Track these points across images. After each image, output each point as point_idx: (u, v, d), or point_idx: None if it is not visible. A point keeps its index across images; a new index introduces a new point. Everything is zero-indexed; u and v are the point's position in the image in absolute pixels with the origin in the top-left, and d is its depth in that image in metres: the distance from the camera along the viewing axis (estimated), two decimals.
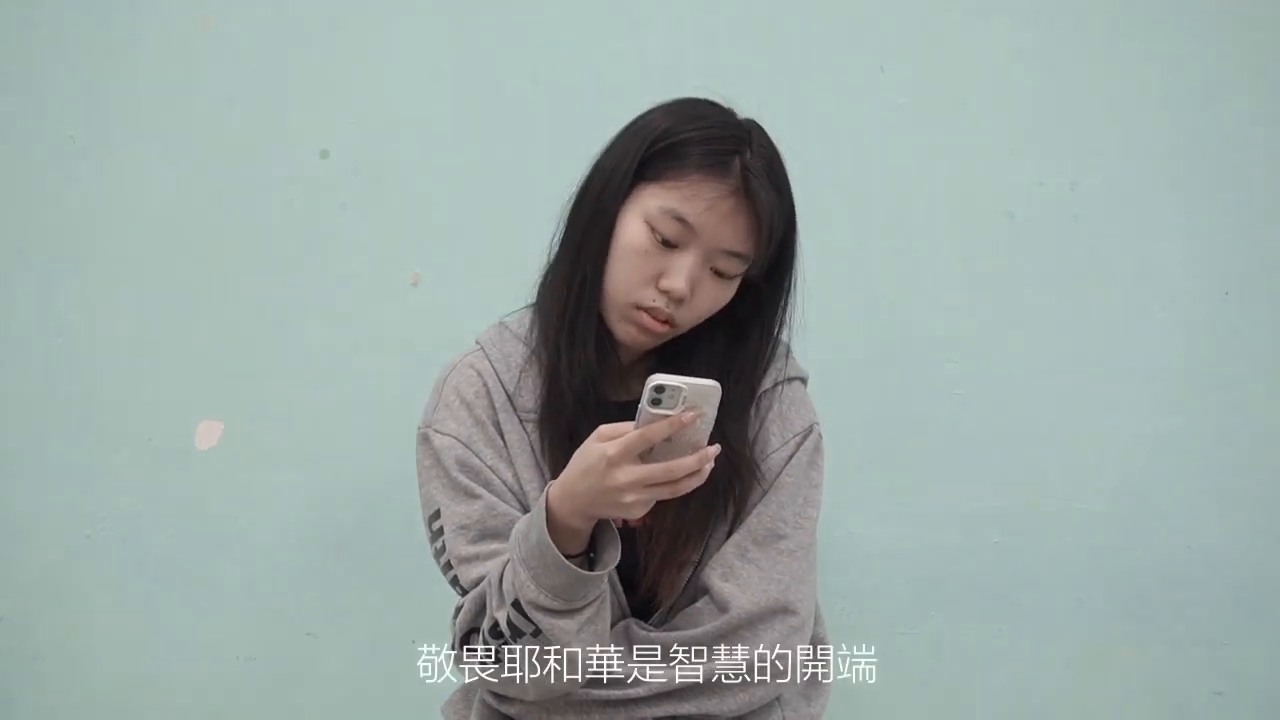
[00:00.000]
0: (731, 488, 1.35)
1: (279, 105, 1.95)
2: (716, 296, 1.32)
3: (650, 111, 1.32)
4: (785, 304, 1.38)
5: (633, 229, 1.29)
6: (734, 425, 1.34)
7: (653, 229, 1.28)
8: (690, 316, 1.32)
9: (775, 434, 1.38)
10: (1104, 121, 1.87)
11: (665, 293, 1.29)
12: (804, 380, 1.45)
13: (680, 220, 1.27)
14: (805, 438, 1.39)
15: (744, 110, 1.34)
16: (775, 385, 1.40)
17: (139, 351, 1.99)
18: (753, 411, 1.38)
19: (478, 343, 1.43)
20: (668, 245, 1.28)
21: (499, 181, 1.91)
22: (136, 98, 1.96)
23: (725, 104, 1.33)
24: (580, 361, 1.32)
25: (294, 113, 1.95)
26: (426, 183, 1.94)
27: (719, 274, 1.30)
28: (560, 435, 1.34)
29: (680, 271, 1.28)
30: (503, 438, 1.36)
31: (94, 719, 2.04)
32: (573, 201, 1.34)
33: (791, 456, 1.38)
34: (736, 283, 1.33)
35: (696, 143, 1.27)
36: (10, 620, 2.05)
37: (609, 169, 1.31)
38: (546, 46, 1.91)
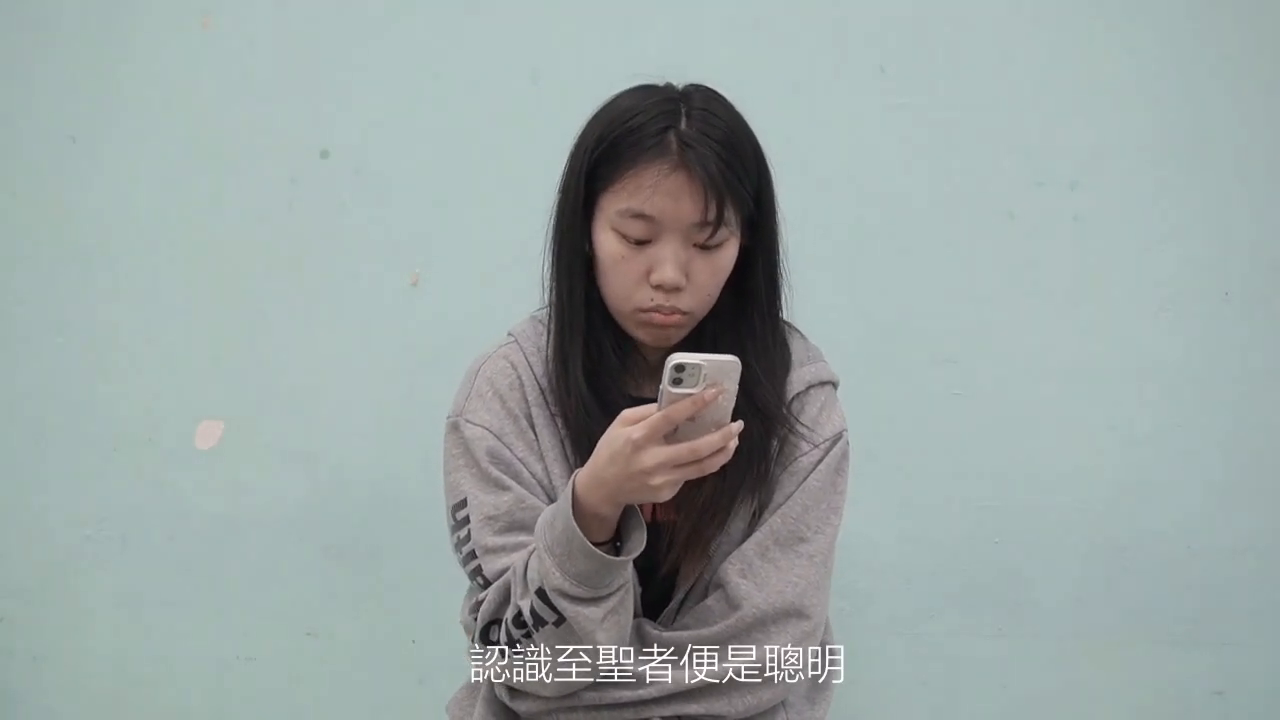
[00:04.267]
0: (765, 447, 1.34)
1: (279, 105, 1.94)
2: (714, 269, 1.31)
3: (588, 123, 1.32)
4: (777, 250, 1.36)
5: (605, 241, 1.30)
6: (760, 389, 1.33)
7: (621, 234, 1.28)
8: (699, 299, 1.31)
9: (805, 437, 1.38)
10: (1104, 121, 1.87)
11: (659, 287, 1.28)
12: (835, 385, 1.44)
13: (638, 216, 1.27)
14: (834, 444, 1.39)
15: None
16: (808, 388, 1.40)
17: (139, 351, 1.99)
18: (784, 412, 1.38)
19: (511, 334, 1.42)
20: (641, 243, 1.28)
21: (499, 181, 1.91)
22: (136, 98, 1.96)
23: (661, 81, 1.32)
24: (574, 384, 1.33)
25: (294, 113, 1.94)
26: (426, 183, 1.94)
27: (705, 248, 1.29)
28: (584, 436, 1.33)
29: (664, 262, 1.27)
30: (534, 431, 1.36)
31: (94, 719, 2.04)
32: (549, 231, 1.36)
33: (820, 461, 1.37)
34: (730, 249, 1.31)
35: (628, 135, 1.27)
36: (11, 620, 2.05)
37: (563, 196, 1.33)
38: (546, 45, 1.91)
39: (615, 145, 1.27)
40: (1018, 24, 1.87)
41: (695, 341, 1.35)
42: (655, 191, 1.25)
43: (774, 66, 1.88)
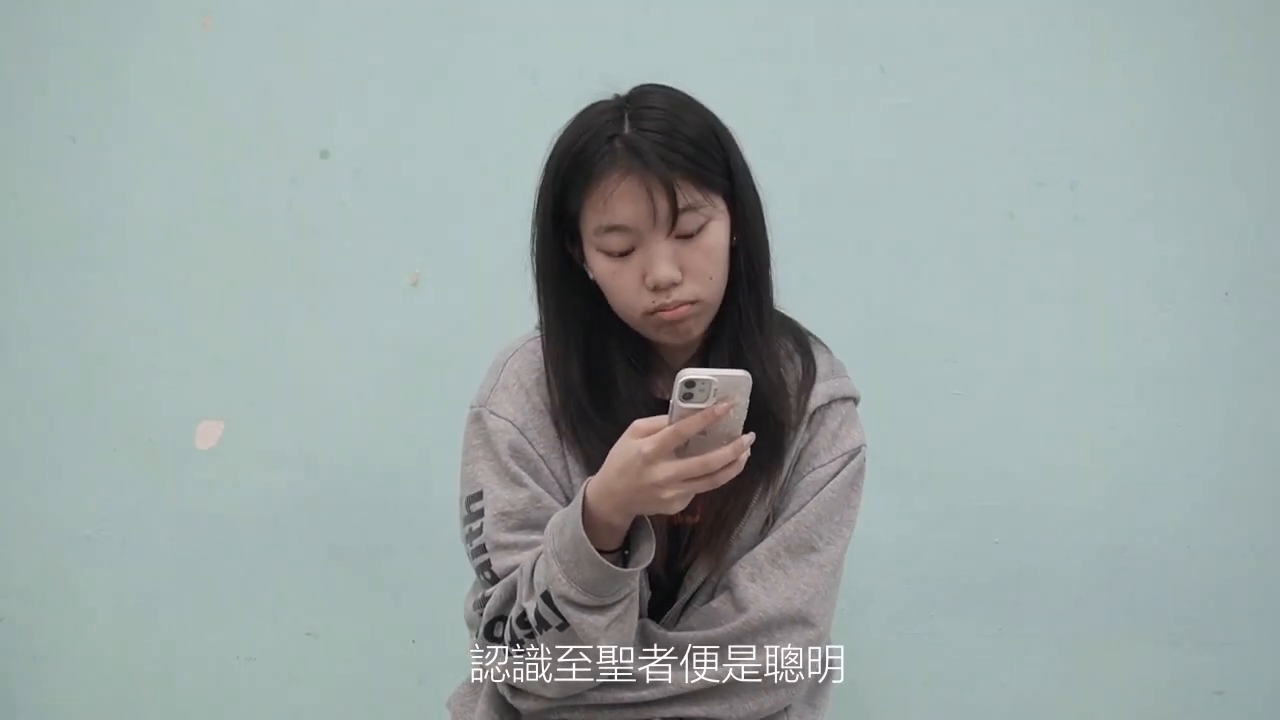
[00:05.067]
0: (772, 412, 1.34)
1: (279, 105, 1.95)
2: (706, 252, 1.29)
3: (545, 162, 1.32)
4: (759, 220, 1.34)
5: (596, 263, 1.30)
6: (754, 353, 1.33)
7: (605, 252, 1.29)
8: (703, 286, 1.30)
9: (824, 449, 1.39)
10: (1104, 121, 1.87)
11: (656, 288, 1.28)
12: (856, 400, 1.45)
13: (611, 229, 1.27)
14: (852, 458, 1.40)
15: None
16: (830, 402, 1.40)
17: (139, 351, 1.99)
18: (804, 426, 1.38)
19: (539, 328, 1.40)
20: (626, 254, 1.28)
21: (499, 181, 1.91)
22: (136, 98, 1.96)
23: (605, 95, 1.32)
24: (575, 405, 1.33)
25: (294, 113, 1.94)
26: (426, 183, 1.94)
27: (691, 235, 1.28)
28: (601, 442, 1.32)
29: (655, 263, 1.27)
30: (558, 428, 1.36)
31: (94, 719, 2.04)
32: (532, 274, 1.36)
33: (837, 474, 1.38)
34: (715, 229, 1.30)
35: (576, 157, 1.27)
36: (11, 620, 2.05)
37: (536, 239, 1.34)
38: (546, 45, 1.91)
39: (571, 173, 1.28)
40: (1018, 24, 1.87)
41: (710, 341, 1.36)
42: (615, 201, 1.25)
43: (774, 66, 1.88)
